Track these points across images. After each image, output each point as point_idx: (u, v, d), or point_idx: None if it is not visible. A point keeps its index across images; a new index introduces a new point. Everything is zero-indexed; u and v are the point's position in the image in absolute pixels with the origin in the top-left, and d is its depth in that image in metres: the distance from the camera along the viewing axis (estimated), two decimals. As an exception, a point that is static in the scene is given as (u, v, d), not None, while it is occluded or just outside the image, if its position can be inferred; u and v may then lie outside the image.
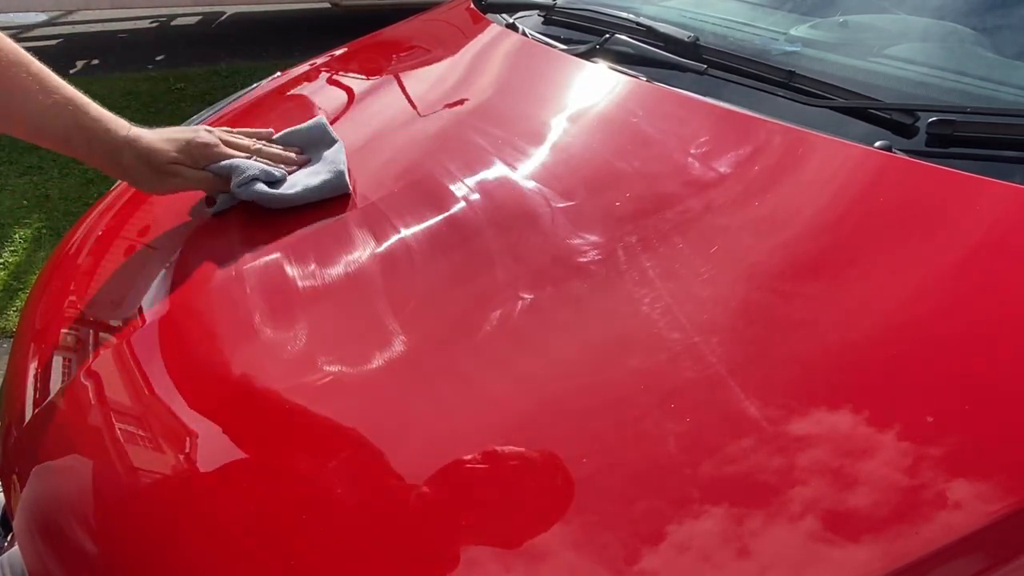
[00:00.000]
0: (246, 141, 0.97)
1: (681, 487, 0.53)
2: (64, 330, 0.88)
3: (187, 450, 0.67)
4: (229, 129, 0.99)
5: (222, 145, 0.94)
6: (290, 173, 0.95)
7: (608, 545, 0.51)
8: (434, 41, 1.39)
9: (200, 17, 5.68)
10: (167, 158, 0.90)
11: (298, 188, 0.91)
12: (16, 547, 0.71)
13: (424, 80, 1.21)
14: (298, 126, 1.03)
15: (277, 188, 0.91)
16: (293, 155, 0.98)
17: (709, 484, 0.53)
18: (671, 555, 0.50)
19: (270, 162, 0.95)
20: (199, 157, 0.92)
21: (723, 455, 0.54)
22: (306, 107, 1.26)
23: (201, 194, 0.96)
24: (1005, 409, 0.55)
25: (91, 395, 0.76)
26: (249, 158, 0.94)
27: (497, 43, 1.20)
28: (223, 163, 0.92)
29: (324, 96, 1.27)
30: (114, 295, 0.89)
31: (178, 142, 0.92)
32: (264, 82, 1.42)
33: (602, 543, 0.51)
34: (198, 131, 0.94)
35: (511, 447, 0.59)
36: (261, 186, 0.90)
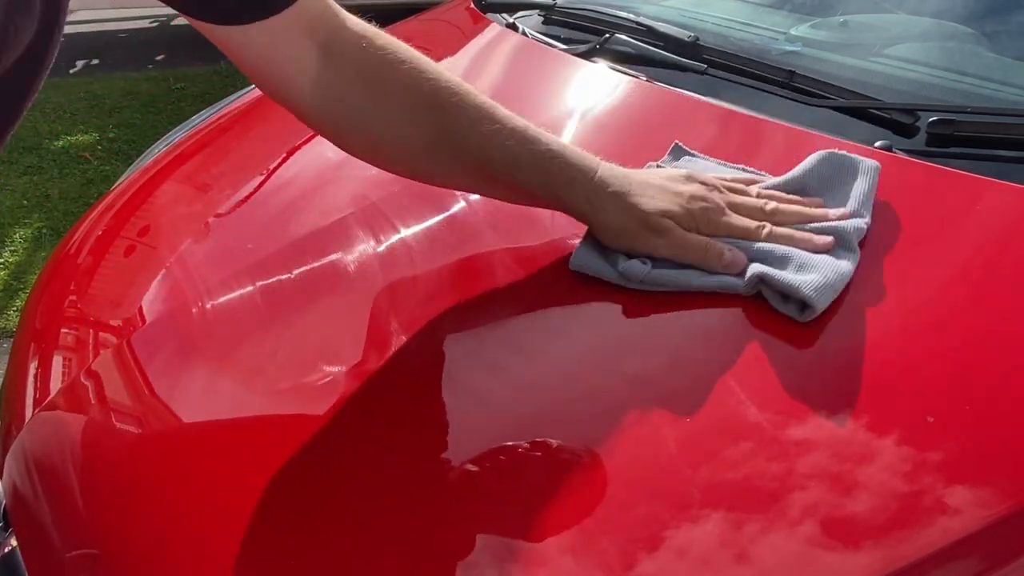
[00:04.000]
0: (750, 202, 0.70)
1: (680, 491, 0.53)
2: (64, 330, 0.88)
3: (186, 450, 0.67)
4: (737, 183, 0.72)
5: (728, 212, 0.68)
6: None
7: (606, 550, 0.51)
8: (434, 41, 1.39)
9: (200, 17, 5.67)
10: (660, 207, 0.67)
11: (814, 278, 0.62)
12: (16, 546, 0.71)
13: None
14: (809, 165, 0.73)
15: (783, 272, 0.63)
16: (815, 239, 0.66)
17: (709, 489, 0.53)
18: (669, 560, 0.50)
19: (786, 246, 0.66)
20: (701, 221, 0.67)
21: (723, 460, 0.54)
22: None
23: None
24: (1005, 410, 0.55)
25: (91, 395, 0.76)
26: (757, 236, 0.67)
27: (497, 43, 1.20)
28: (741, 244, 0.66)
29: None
30: (114, 295, 0.89)
31: (669, 185, 0.69)
32: (264, 82, 1.42)
33: (600, 548, 0.51)
34: (695, 182, 0.69)
35: (510, 450, 0.59)
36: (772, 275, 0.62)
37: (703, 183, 0.69)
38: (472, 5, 1.34)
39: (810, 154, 0.74)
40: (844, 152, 0.72)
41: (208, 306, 0.82)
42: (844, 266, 0.63)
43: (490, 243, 0.79)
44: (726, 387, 0.59)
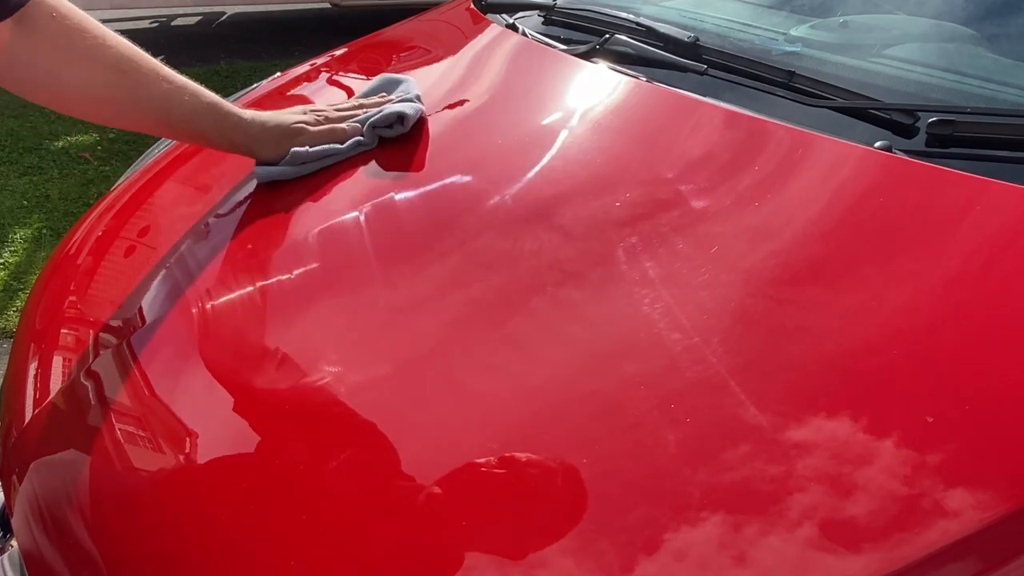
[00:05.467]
0: (345, 104, 1.06)
1: (679, 493, 0.53)
2: (64, 330, 0.88)
3: (187, 450, 0.67)
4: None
5: (331, 109, 1.02)
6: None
7: (605, 552, 0.51)
8: (434, 41, 1.39)
9: (200, 17, 5.68)
10: (291, 120, 0.97)
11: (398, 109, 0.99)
12: (16, 547, 0.71)
13: (424, 80, 1.21)
14: (369, 83, 1.12)
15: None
16: (390, 98, 1.06)
17: (707, 490, 0.53)
18: (668, 562, 0.50)
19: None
20: (321, 119, 0.99)
21: (722, 461, 0.54)
22: (306, 107, 1.26)
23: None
24: (1006, 411, 0.55)
25: (91, 395, 0.76)
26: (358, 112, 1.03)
27: (497, 43, 1.20)
28: (360, 115, 1.01)
29: (324, 96, 1.27)
30: (114, 295, 0.89)
31: (294, 110, 1.01)
32: (264, 82, 1.42)
33: (599, 550, 0.51)
34: (302, 106, 1.04)
35: (509, 452, 0.59)
36: (398, 111, 0.99)
37: (315, 106, 1.03)
38: (472, 5, 1.34)
39: (808, 153, 0.74)
40: (389, 74, 1.13)
41: (208, 306, 0.82)
42: (410, 104, 1.02)
43: (488, 244, 0.79)
44: (727, 392, 0.59)
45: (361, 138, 0.98)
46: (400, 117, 0.98)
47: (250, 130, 0.94)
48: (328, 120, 1.00)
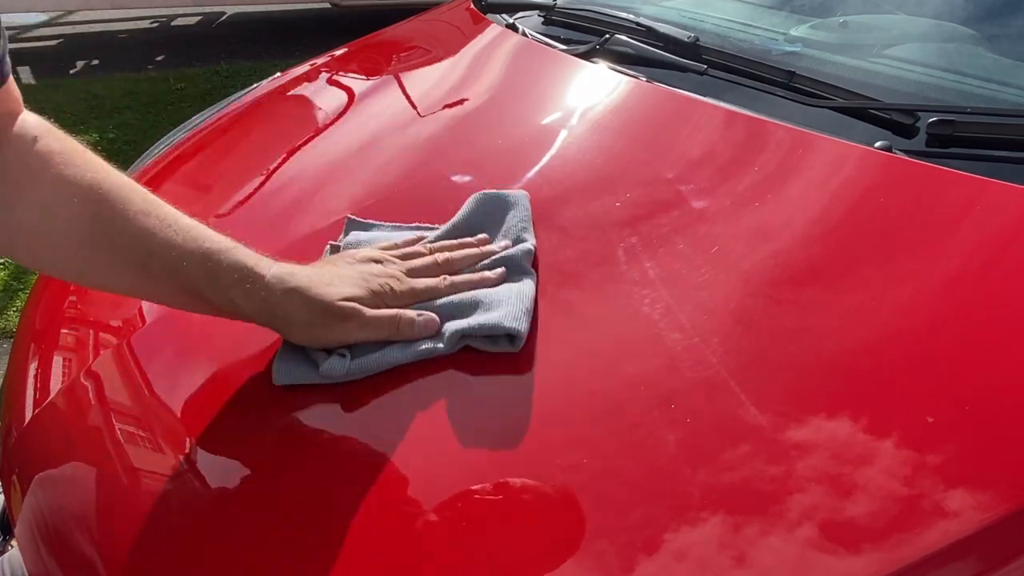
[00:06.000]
0: (423, 261, 0.72)
1: (679, 494, 0.53)
2: (64, 330, 0.88)
3: (187, 451, 0.67)
4: (407, 246, 0.74)
5: (407, 278, 0.69)
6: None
7: (605, 552, 0.51)
8: (434, 41, 1.39)
9: (200, 17, 5.68)
10: (340, 294, 0.65)
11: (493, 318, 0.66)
12: (16, 548, 0.71)
13: (424, 80, 1.21)
14: (464, 207, 0.80)
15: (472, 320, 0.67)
16: (489, 275, 0.71)
17: (708, 491, 0.53)
18: (668, 562, 0.50)
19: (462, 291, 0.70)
20: (385, 295, 0.67)
21: (722, 461, 0.54)
22: (306, 107, 1.26)
23: None
24: (1006, 412, 0.55)
25: (91, 395, 0.76)
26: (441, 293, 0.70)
27: (497, 43, 1.20)
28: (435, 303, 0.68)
29: (324, 96, 1.27)
30: (114, 295, 0.89)
31: (347, 269, 0.68)
32: (264, 82, 1.42)
33: (599, 550, 0.51)
34: (370, 260, 0.70)
35: (508, 452, 0.59)
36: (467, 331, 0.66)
37: (376, 259, 0.70)
38: (472, 5, 1.35)
39: (808, 153, 0.74)
40: (494, 190, 0.80)
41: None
42: (526, 287, 0.69)
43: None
44: (728, 392, 0.59)
45: (438, 346, 0.65)
46: (511, 337, 0.65)
47: (271, 296, 0.64)
48: (395, 295, 0.67)
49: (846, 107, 0.81)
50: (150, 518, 0.61)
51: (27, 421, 0.78)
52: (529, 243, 0.73)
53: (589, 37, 1.08)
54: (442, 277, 0.70)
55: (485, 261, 0.73)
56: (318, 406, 0.66)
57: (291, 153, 1.06)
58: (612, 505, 0.53)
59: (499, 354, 0.66)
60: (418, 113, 1.09)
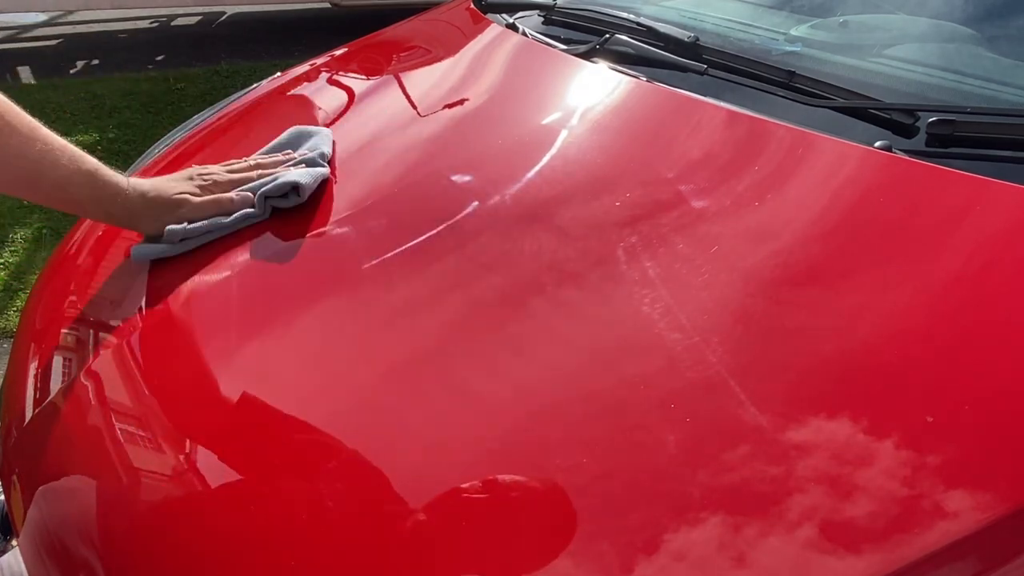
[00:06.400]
0: (240, 164, 0.97)
1: (679, 494, 0.53)
2: (64, 330, 0.88)
3: (187, 451, 0.67)
4: (230, 163, 0.99)
5: (227, 173, 0.94)
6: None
7: (605, 552, 0.51)
8: (434, 41, 1.39)
9: (200, 17, 5.68)
10: (174, 189, 0.90)
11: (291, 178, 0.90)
12: (16, 548, 0.71)
13: (424, 80, 1.21)
14: (278, 138, 1.05)
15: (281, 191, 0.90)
16: (282, 156, 0.99)
17: (707, 491, 0.53)
18: (668, 562, 0.50)
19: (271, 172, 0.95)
20: (209, 185, 0.92)
21: (722, 462, 0.54)
22: (306, 107, 1.26)
23: None
24: (1006, 412, 0.55)
25: (91, 395, 0.76)
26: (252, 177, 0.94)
27: (497, 43, 1.20)
28: (247, 185, 0.92)
29: (324, 96, 1.27)
30: (114, 295, 0.89)
31: (180, 176, 0.93)
32: (264, 82, 1.42)
33: (599, 550, 0.51)
34: (192, 168, 0.95)
35: (508, 453, 0.59)
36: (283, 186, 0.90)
37: (206, 168, 0.95)
38: (472, 5, 1.34)
39: (808, 153, 0.74)
40: (303, 126, 1.04)
41: (208, 306, 0.82)
42: (308, 170, 0.93)
43: (488, 246, 0.79)
44: (728, 393, 0.59)
45: (251, 210, 0.90)
46: (295, 187, 0.89)
47: (128, 202, 0.87)
48: (217, 186, 0.92)
49: (846, 107, 0.81)
50: (150, 518, 0.61)
51: (27, 421, 0.78)
52: (324, 149, 0.98)
53: (589, 37, 1.08)
54: (254, 171, 0.95)
55: (288, 163, 0.97)
56: (317, 408, 0.66)
57: (291, 153, 1.06)
58: (612, 505, 0.53)
59: (503, 351, 0.66)
60: (418, 113, 1.09)
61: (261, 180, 0.92)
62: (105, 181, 0.85)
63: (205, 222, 0.88)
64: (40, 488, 0.71)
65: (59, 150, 0.82)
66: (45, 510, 0.70)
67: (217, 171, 0.94)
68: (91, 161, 0.85)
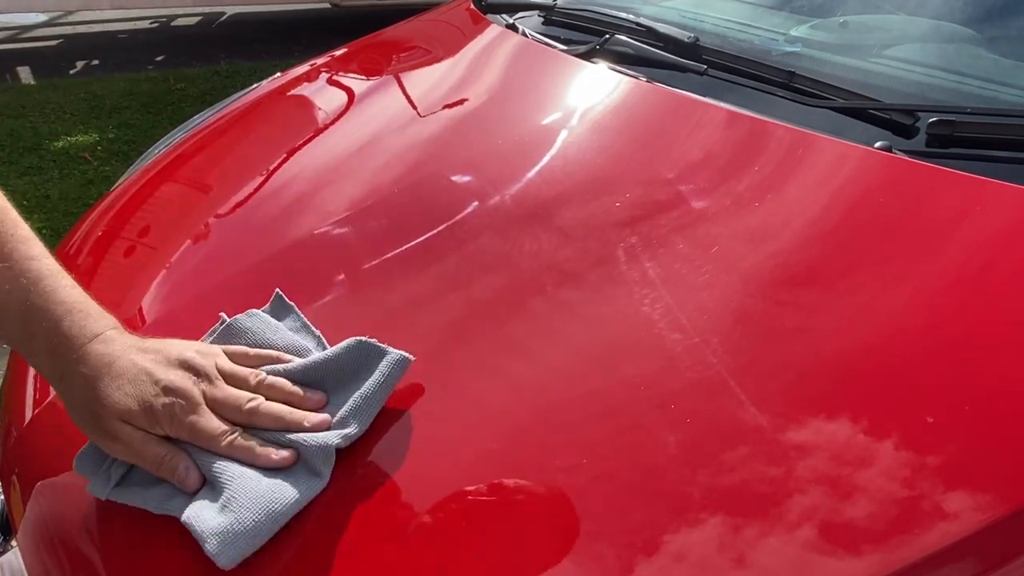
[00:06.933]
0: (235, 409, 0.60)
1: (679, 495, 0.53)
2: (64, 330, 0.88)
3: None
4: (241, 370, 0.63)
5: (201, 411, 0.60)
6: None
7: (604, 553, 0.51)
8: (434, 42, 1.39)
9: (200, 17, 5.69)
10: (123, 404, 0.58)
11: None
12: (16, 548, 0.71)
13: (424, 81, 1.21)
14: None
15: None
16: (279, 455, 0.59)
17: (707, 492, 0.53)
18: (668, 563, 0.50)
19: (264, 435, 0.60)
20: (164, 420, 0.59)
21: (722, 462, 0.54)
22: (306, 107, 1.26)
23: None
24: (1006, 412, 0.55)
25: (91, 395, 0.76)
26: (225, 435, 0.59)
27: (497, 44, 1.20)
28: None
29: (324, 97, 1.27)
30: (114, 295, 0.89)
31: (149, 384, 0.59)
32: (264, 82, 1.42)
33: (598, 551, 0.51)
34: (184, 369, 0.61)
35: (508, 453, 0.59)
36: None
37: (193, 370, 0.61)
38: (472, 6, 1.34)
39: (808, 153, 0.74)
40: (374, 342, 0.63)
41: (208, 306, 0.82)
42: (282, 503, 0.56)
43: (488, 246, 0.79)
44: (728, 394, 0.59)
45: (182, 507, 0.57)
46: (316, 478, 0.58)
47: (68, 375, 0.60)
48: (172, 424, 0.59)
49: (846, 107, 0.81)
50: (149, 518, 0.61)
51: (27, 421, 0.78)
52: (352, 428, 0.60)
53: (589, 37, 1.08)
54: (227, 431, 0.59)
55: (288, 436, 0.60)
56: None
57: (291, 154, 1.06)
58: (612, 506, 0.53)
59: (503, 351, 0.66)
60: (418, 113, 1.09)
61: (221, 462, 0.59)
62: (58, 319, 0.59)
63: (139, 491, 0.60)
64: (39, 485, 0.71)
65: (17, 273, 0.59)
66: (45, 509, 0.70)
67: (195, 394, 0.60)
68: (52, 277, 0.61)
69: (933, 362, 0.59)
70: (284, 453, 0.59)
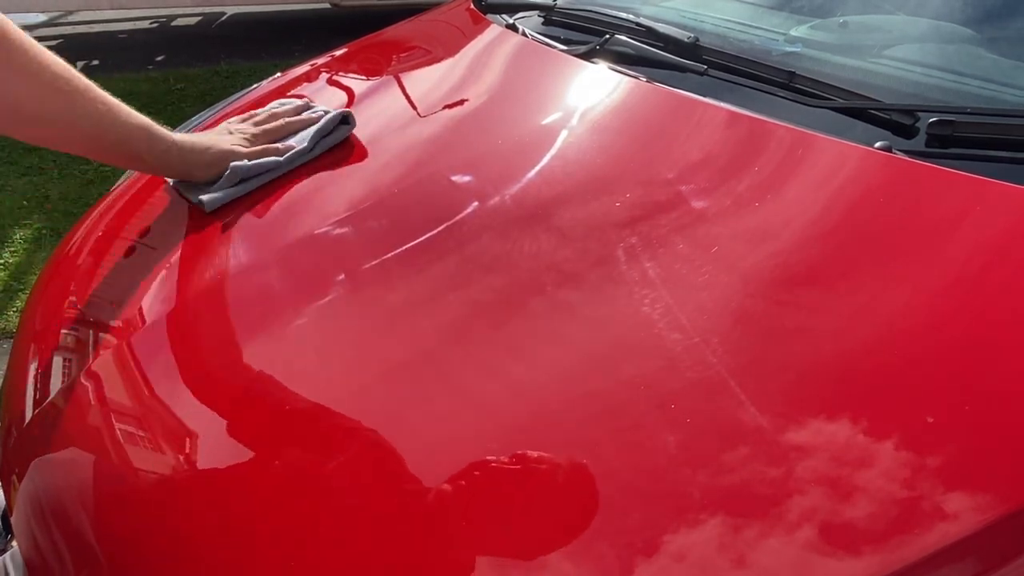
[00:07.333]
0: (263, 115, 1.07)
1: (679, 495, 0.53)
2: (64, 330, 0.88)
3: (187, 450, 0.67)
4: (256, 117, 1.08)
5: (252, 125, 1.04)
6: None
7: (604, 554, 0.51)
8: (434, 42, 1.39)
9: (200, 17, 5.69)
10: (224, 142, 0.98)
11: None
12: (17, 547, 0.71)
13: (424, 81, 1.21)
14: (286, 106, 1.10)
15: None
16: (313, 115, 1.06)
17: (707, 492, 0.53)
18: (668, 563, 0.50)
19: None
20: (247, 138, 1.01)
21: (722, 463, 0.54)
22: (306, 107, 1.26)
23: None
24: (1006, 412, 0.55)
25: (91, 395, 0.76)
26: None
27: (497, 44, 1.20)
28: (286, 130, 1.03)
29: (324, 97, 1.27)
30: (114, 295, 0.89)
31: (218, 132, 1.02)
32: (264, 82, 1.42)
33: (598, 552, 0.51)
34: (222, 126, 1.05)
35: (508, 454, 0.59)
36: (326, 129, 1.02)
37: (235, 123, 1.05)
38: (472, 6, 1.34)
39: (808, 154, 0.74)
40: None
41: (208, 306, 0.82)
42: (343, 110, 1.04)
43: (488, 246, 0.79)
44: (728, 394, 0.59)
45: (303, 146, 0.99)
46: (344, 117, 1.01)
47: (183, 153, 0.95)
48: (256, 138, 1.01)
49: (846, 107, 0.81)
50: (150, 517, 0.61)
51: (27, 421, 0.78)
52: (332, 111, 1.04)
53: (589, 37, 1.08)
54: (281, 121, 1.04)
55: (304, 112, 1.07)
56: (318, 403, 0.66)
57: (291, 153, 1.06)
58: (612, 506, 0.53)
59: (503, 352, 0.66)
60: (418, 113, 1.09)
61: (301, 119, 1.03)
62: (160, 136, 0.93)
63: (264, 160, 0.97)
64: (40, 488, 0.72)
65: (117, 108, 0.89)
66: (45, 510, 0.70)
67: (246, 126, 1.03)
68: (144, 119, 0.92)
69: (933, 362, 0.59)
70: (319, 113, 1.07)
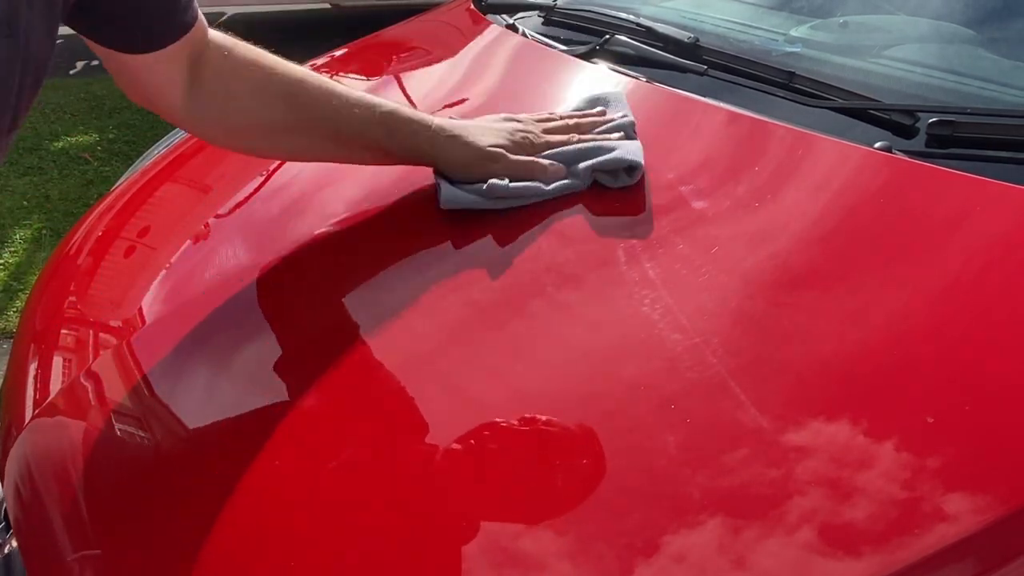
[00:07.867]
0: (556, 123, 0.89)
1: (679, 496, 0.53)
2: (64, 330, 0.89)
3: (187, 450, 0.67)
4: (541, 115, 0.92)
5: (543, 134, 0.86)
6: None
7: (604, 555, 0.51)
8: (434, 42, 1.39)
9: (200, 17, 5.68)
10: (487, 142, 0.83)
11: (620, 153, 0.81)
12: (16, 546, 0.71)
13: (424, 81, 1.21)
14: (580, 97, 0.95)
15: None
16: (610, 136, 0.86)
17: (707, 493, 0.53)
18: (667, 564, 0.50)
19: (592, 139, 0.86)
20: (525, 146, 0.84)
21: (722, 464, 0.54)
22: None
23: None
24: (1006, 412, 0.55)
25: (91, 395, 0.76)
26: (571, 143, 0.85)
27: (497, 44, 1.20)
28: (565, 149, 0.84)
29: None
30: (114, 295, 0.89)
31: (491, 123, 0.87)
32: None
33: (598, 552, 0.51)
34: (503, 116, 0.89)
35: (507, 455, 0.59)
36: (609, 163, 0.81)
37: (516, 119, 0.88)
38: (472, 6, 1.34)
39: (808, 154, 0.74)
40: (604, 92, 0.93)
41: (207, 306, 0.82)
42: (636, 144, 0.83)
43: (488, 246, 0.79)
44: (728, 395, 0.59)
45: (568, 181, 0.81)
46: (630, 169, 0.80)
47: (436, 140, 0.82)
48: (532, 146, 0.84)
49: (846, 107, 0.81)
50: (149, 517, 0.61)
51: (27, 421, 0.78)
52: (631, 118, 0.88)
53: (589, 38, 1.08)
54: (571, 135, 0.86)
55: (604, 127, 0.87)
56: (318, 404, 0.66)
57: (291, 153, 1.06)
58: (612, 507, 0.53)
59: (502, 352, 0.66)
60: (418, 113, 1.09)
61: (580, 146, 0.84)
62: (407, 120, 0.83)
63: (527, 184, 0.81)
64: (40, 487, 0.72)
65: (352, 101, 0.82)
66: (45, 509, 0.70)
67: (531, 127, 0.87)
68: (389, 105, 0.84)
69: (933, 363, 0.59)
70: (617, 133, 0.87)
